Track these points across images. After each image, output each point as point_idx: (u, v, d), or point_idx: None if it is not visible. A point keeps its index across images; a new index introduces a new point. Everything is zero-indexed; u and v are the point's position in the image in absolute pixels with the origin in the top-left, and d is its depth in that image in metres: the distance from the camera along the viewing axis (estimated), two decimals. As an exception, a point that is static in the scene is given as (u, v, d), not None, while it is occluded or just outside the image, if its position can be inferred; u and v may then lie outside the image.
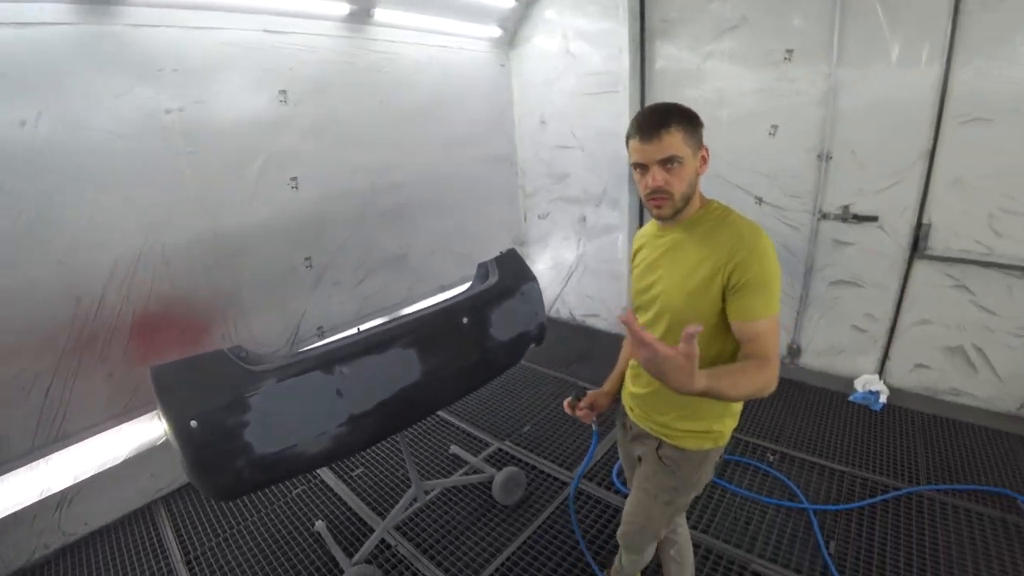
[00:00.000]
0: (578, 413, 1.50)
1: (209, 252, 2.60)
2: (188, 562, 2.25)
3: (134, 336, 2.42)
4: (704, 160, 1.25)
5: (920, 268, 2.94)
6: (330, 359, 1.68)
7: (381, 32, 3.16)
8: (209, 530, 2.43)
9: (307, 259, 3.00)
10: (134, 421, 2.51)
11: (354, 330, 1.97)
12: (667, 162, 1.18)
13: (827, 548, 2.11)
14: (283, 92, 2.76)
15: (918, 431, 2.86)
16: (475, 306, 2.04)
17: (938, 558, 2.05)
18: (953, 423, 2.91)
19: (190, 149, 2.48)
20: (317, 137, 2.95)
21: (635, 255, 1.48)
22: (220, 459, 1.55)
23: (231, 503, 2.60)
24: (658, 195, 1.21)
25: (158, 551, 2.33)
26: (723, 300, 1.19)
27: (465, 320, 1.99)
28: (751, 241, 1.17)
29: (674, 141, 1.17)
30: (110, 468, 2.48)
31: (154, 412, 2.53)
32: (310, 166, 2.93)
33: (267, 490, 2.66)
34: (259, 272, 2.81)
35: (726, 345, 1.24)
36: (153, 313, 2.46)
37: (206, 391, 1.55)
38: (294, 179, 2.87)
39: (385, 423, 1.82)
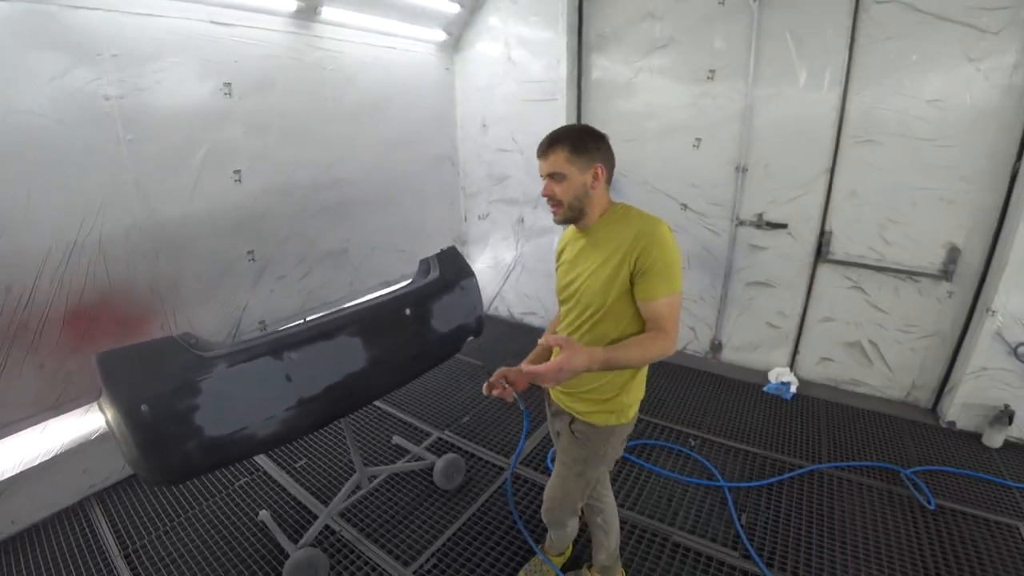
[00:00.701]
0: (494, 392, 1.58)
1: (148, 241, 2.56)
2: (127, 556, 2.21)
3: (68, 326, 2.35)
4: (597, 176, 1.43)
5: (824, 271, 3.30)
6: (280, 345, 1.74)
7: (328, 30, 3.20)
8: (148, 523, 2.40)
9: (250, 252, 3.00)
10: (66, 415, 2.43)
11: (300, 321, 2.02)
12: (553, 176, 1.43)
13: (739, 520, 2.36)
14: (227, 84, 2.76)
15: (822, 417, 3.20)
16: (417, 299, 2.14)
17: (833, 524, 2.34)
18: (852, 410, 3.26)
19: (130, 137, 2.44)
20: (261, 131, 2.95)
21: (559, 255, 1.67)
22: (170, 442, 1.57)
23: (172, 495, 2.57)
24: (550, 201, 1.47)
25: (93, 547, 2.27)
26: (631, 284, 1.39)
27: (408, 312, 2.10)
28: (650, 231, 1.37)
29: (557, 160, 1.41)
30: (40, 464, 2.39)
31: (88, 405, 2.50)
32: (254, 160, 2.94)
33: (209, 482, 2.65)
34: (200, 264, 2.78)
35: (639, 328, 1.43)
36: (89, 303, 2.40)
37: (157, 376, 1.57)
38: (237, 172, 2.87)
39: (332, 407, 1.89)
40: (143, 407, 1.52)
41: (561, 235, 1.72)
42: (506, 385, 1.55)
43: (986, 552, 2.18)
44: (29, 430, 2.33)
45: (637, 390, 1.59)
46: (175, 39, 2.52)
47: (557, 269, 1.67)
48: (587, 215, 1.48)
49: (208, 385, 1.62)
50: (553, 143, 1.43)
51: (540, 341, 1.75)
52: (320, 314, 2.03)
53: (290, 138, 3.10)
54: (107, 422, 1.69)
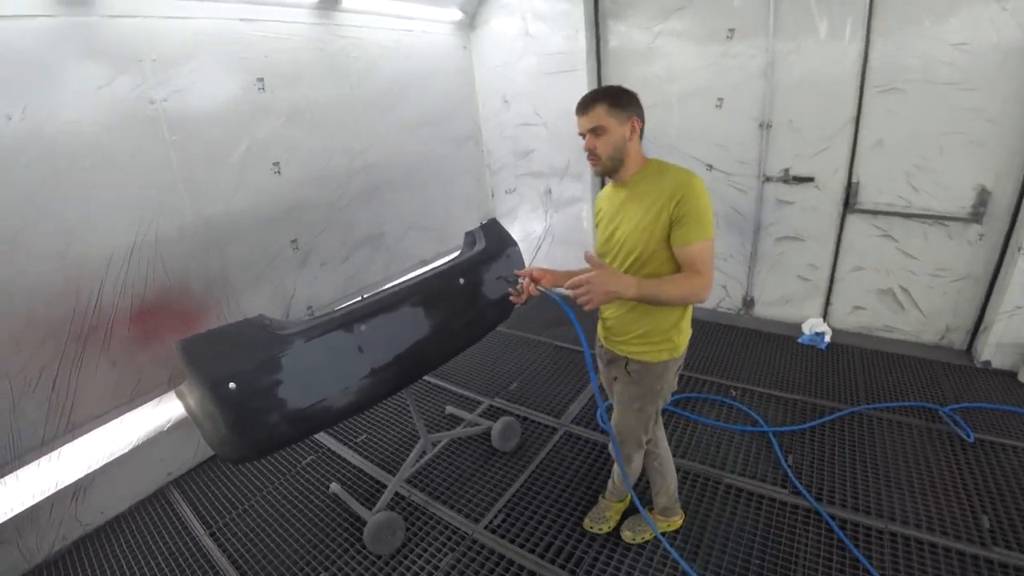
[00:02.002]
0: (522, 296, 1.66)
1: (200, 238, 2.67)
2: (213, 534, 2.37)
3: (134, 324, 2.47)
4: (634, 128, 1.55)
5: (852, 221, 3.34)
6: (350, 319, 1.85)
7: (349, 18, 3.25)
8: (227, 504, 2.55)
9: (293, 241, 3.11)
10: (140, 408, 2.57)
11: (358, 298, 2.12)
12: (595, 131, 1.54)
13: (786, 460, 2.46)
14: (260, 80, 2.83)
15: (858, 363, 3.27)
16: (469, 268, 2.24)
17: (876, 460, 2.45)
18: (887, 355, 3.34)
19: (175, 138, 2.53)
20: (295, 122, 3.04)
21: (597, 213, 1.80)
22: (258, 416, 1.69)
23: (245, 477, 2.72)
24: (591, 156, 1.59)
25: (180, 529, 2.43)
26: (669, 232, 1.51)
27: (462, 281, 2.19)
28: (686, 181, 1.50)
29: (599, 113, 1.52)
30: (120, 456, 2.54)
31: (160, 397, 2.63)
32: (290, 151, 3.02)
33: (276, 463, 2.80)
34: (248, 255, 2.90)
35: (676, 271, 1.55)
36: (150, 301, 2.52)
37: (241, 355, 1.68)
38: (276, 164, 2.96)
39: (401, 375, 2.01)
40: (231, 384, 1.63)
41: (597, 196, 1.84)
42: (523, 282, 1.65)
43: (1026, 479, 2.27)
44: (108, 424, 2.48)
45: (686, 329, 1.72)
46: (208, 39, 2.59)
47: (597, 226, 1.79)
48: (624, 167, 1.60)
49: (288, 360, 1.73)
50: (593, 99, 1.54)
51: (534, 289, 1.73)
52: (378, 290, 2.12)
53: (322, 127, 3.19)
54: (188, 407, 1.80)
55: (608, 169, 1.61)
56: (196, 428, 1.75)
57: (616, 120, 1.53)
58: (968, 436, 2.52)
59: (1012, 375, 3.02)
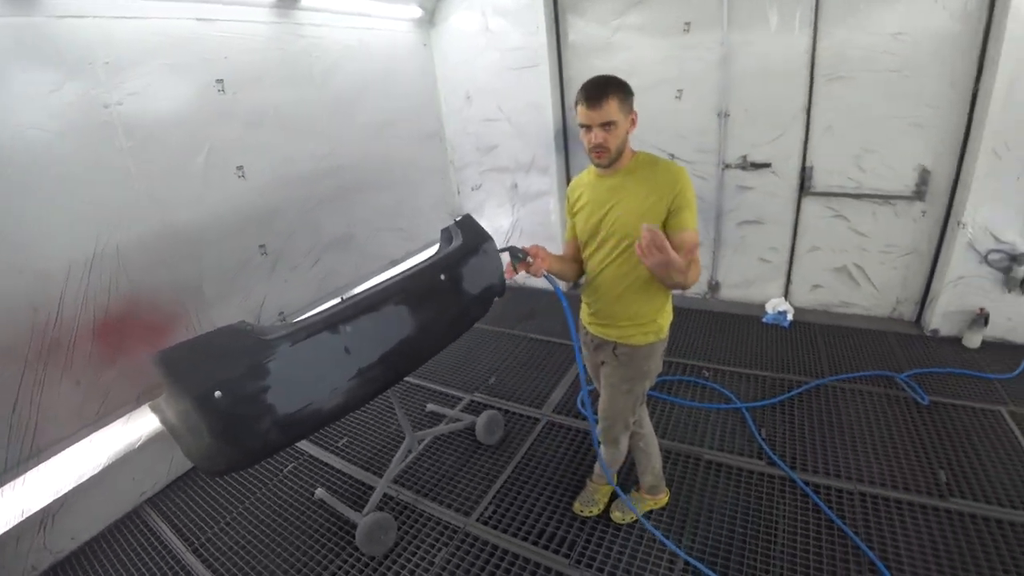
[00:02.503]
0: (524, 266, 1.66)
1: (165, 247, 2.57)
2: (195, 550, 2.30)
3: (98, 339, 2.36)
4: (633, 122, 1.62)
5: (808, 203, 3.52)
6: (335, 320, 1.83)
7: (308, 17, 3.19)
8: (208, 519, 2.47)
9: (262, 247, 3.03)
10: (109, 427, 2.46)
11: (337, 300, 2.10)
12: (606, 125, 1.55)
13: (760, 434, 2.58)
14: (220, 81, 2.75)
15: (819, 338, 3.45)
16: (449, 264, 2.24)
17: (843, 427, 2.60)
18: (845, 329, 3.53)
19: (131, 144, 2.42)
20: (258, 125, 2.96)
21: (575, 201, 1.83)
22: (246, 424, 1.65)
23: (224, 491, 2.65)
24: (599, 149, 1.59)
25: (159, 548, 2.34)
26: (664, 219, 1.60)
27: (443, 277, 2.20)
28: (681, 176, 1.61)
29: (612, 109, 1.52)
30: (90, 478, 2.42)
31: (128, 415, 2.53)
32: (254, 154, 2.95)
33: (257, 473, 2.73)
34: (216, 263, 2.81)
35: None
36: (115, 314, 2.42)
37: (225, 363, 1.63)
38: (240, 168, 2.88)
39: (387, 374, 2.00)
40: (217, 393, 1.58)
41: (572, 183, 1.88)
42: (531, 261, 1.66)
43: (976, 435, 2.49)
44: (76, 446, 2.36)
45: (669, 312, 1.82)
46: (164, 40, 2.50)
47: (575, 215, 1.82)
48: (622, 157, 1.65)
49: (274, 365, 1.69)
50: (606, 93, 1.51)
51: (543, 269, 1.73)
52: (360, 289, 2.11)
53: (286, 130, 3.12)
54: (166, 421, 1.73)
55: (611, 161, 1.63)
56: (173, 443, 1.69)
57: (624, 114, 1.56)
58: (923, 399, 2.71)
59: (958, 340, 3.24)
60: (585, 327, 1.94)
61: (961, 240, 3.05)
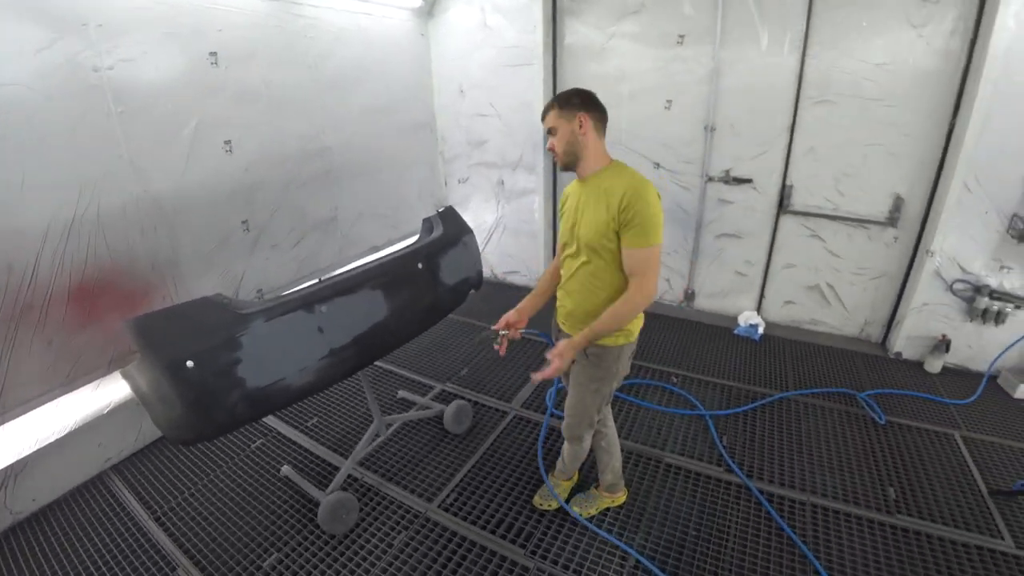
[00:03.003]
0: (506, 340, 1.92)
1: (146, 215, 2.57)
2: (157, 519, 2.31)
3: (73, 303, 2.36)
4: (582, 124, 1.68)
5: (785, 221, 3.60)
6: (311, 299, 1.86)
7: (308, -2, 3.20)
8: (172, 489, 2.49)
9: (244, 223, 3.04)
10: (77, 392, 2.46)
11: (314, 280, 2.12)
12: (550, 131, 1.72)
13: (721, 441, 2.65)
14: (213, 54, 2.75)
15: (787, 353, 3.55)
16: (428, 254, 2.29)
17: (801, 441, 2.69)
18: (813, 346, 3.64)
19: (121, 109, 2.42)
20: (249, 101, 2.96)
21: (563, 204, 1.91)
22: (217, 395, 1.68)
23: (190, 461, 2.66)
24: (552, 151, 1.76)
25: (121, 515, 2.35)
26: (617, 233, 1.63)
27: (420, 266, 2.24)
28: (638, 188, 1.60)
29: (551, 117, 1.71)
30: (56, 441, 2.42)
31: (99, 380, 2.53)
32: (243, 130, 2.95)
33: (224, 445, 2.75)
34: (197, 236, 2.81)
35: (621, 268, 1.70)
36: (91, 279, 2.41)
37: (199, 334, 1.66)
38: (228, 143, 2.88)
39: (359, 356, 2.03)
40: (189, 363, 1.61)
41: (564, 190, 1.94)
42: (507, 334, 1.91)
43: (927, 456, 2.58)
44: (43, 408, 2.36)
45: (639, 317, 1.85)
46: (161, 8, 2.49)
47: (561, 216, 1.90)
48: (584, 161, 1.73)
49: (248, 339, 1.73)
50: (548, 106, 1.73)
51: (540, 286, 2.08)
52: (339, 272, 2.13)
53: (277, 108, 3.12)
54: (137, 388, 1.76)
55: (567, 163, 1.74)
56: (142, 411, 1.71)
57: (565, 119, 1.68)
58: (880, 419, 2.81)
59: (919, 364, 3.36)
60: (559, 325, 1.99)
61: (929, 268, 3.16)
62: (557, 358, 1.67)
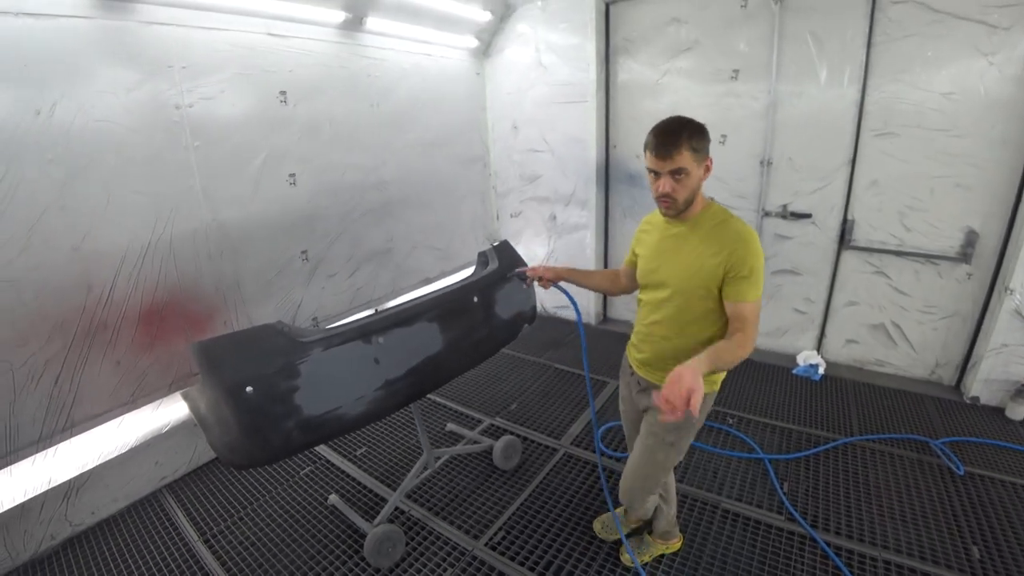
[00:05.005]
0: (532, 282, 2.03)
1: (213, 243, 2.70)
2: (206, 541, 2.34)
3: (142, 324, 2.48)
4: (708, 168, 1.49)
5: (847, 257, 3.46)
6: (368, 330, 1.87)
7: (372, 39, 3.37)
8: (223, 511, 2.52)
9: (303, 252, 3.14)
10: (139, 410, 2.55)
11: (370, 311, 2.15)
12: (675, 173, 1.44)
13: (781, 488, 2.50)
14: (283, 93, 2.91)
15: (851, 395, 3.34)
16: (483, 287, 2.28)
17: (870, 490, 2.49)
18: (879, 388, 3.41)
19: (197, 143, 2.58)
20: (313, 136, 3.11)
21: (642, 236, 1.77)
22: (273, 421, 1.69)
23: (241, 486, 2.69)
24: (666, 199, 1.49)
25: (172, 534, 2.39)
26: (720, 284, 1.49)
27: (475, 299, 2.23)
28: (747, 241, 1.46)
29: (683, 158, 1.42)
30: (116, 457, 2.51)
31: (159, 400, 2.61)
32: (306, 163, 3.09)
33: (274, 473, 2.77)
34: (259, 263, 2.92)
35: (720, 319, 1.55)
36: (160, 301, 2.53)
37: (260, 360, 1.68)
38: (292, 175, 3.02)
39: (413, 388, 2.02)
40: (248, 388, 1.63)
41: (643, 220, 1.82)
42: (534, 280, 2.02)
43: (1015, 511, 2.34)
44: (106, 424, 2.45)
45: None
46: (237, 51, 2.67)
47: (635, 247, 1.81)
48: (692, 207, 1.54)
49: (306, 367, 1.74)
50: (677, 139, 1.41)
51: (568, 268, 2.12)
52: (393, 303, 2.15)
53: (338, 142, 3.26)
54: (196, 411, 1.80)
55: (680, 211, 1.52)
56: (198, 432, 1.73)
57: (697, 162, 1.44)
58: (958, 469, 2.58)
59: (1000, 411, 3.10)
60: (631, 368, 1.84)
61: (1008, 306, 2.95)
62: (675, 384, 1.21)
